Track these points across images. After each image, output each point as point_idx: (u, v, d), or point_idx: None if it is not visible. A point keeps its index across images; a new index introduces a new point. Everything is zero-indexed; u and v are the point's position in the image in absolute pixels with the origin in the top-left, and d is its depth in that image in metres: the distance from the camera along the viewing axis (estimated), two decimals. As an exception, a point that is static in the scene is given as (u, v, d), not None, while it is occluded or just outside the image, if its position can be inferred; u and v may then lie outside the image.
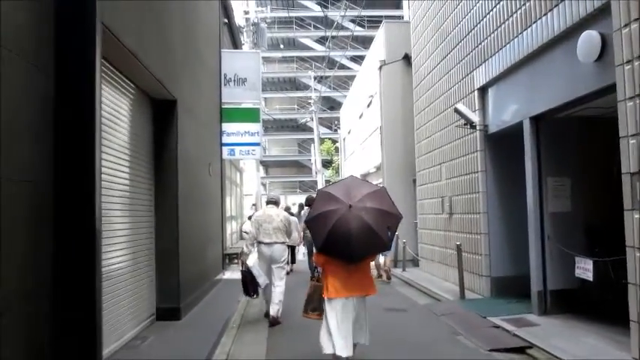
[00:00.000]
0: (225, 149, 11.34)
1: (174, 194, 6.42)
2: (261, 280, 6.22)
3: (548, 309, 6.09)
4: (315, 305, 4.03)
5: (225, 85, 11.51)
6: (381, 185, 13.17)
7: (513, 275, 7.29)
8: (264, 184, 38.16)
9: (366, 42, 32.80)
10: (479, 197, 7.62)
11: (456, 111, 7.54)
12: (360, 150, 17.56)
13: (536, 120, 6.25)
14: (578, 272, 5.38)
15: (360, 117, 17.50)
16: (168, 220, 6.36)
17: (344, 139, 23.22)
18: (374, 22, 31.85)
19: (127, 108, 5.46)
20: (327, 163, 32.96)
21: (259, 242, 6.32)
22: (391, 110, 12.74)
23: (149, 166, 6.23)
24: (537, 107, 6.13)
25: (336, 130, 33.49)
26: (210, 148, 9.55)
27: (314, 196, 6.56)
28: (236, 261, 11.81)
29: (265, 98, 40.62)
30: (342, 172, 23.45)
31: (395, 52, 12.83)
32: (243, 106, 12.38)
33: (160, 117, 6.43)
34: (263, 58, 36.56)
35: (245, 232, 16.61)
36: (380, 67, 12.89)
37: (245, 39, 19.33)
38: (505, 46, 6.72)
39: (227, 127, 11.37)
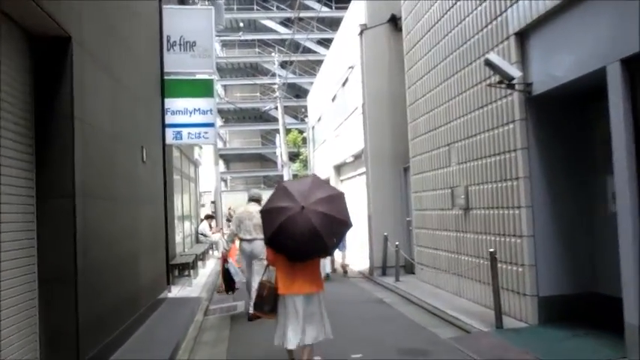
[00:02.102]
0: (169, 131, 8.76)
1: (68, 186, 3.98)
2: (237, 278, 6.80)
3: (652, 351, 4.04)
4: (270, 306, 4.00)
5: (168, 50, 8.94)
6: (364, 173, 11.16)
7: (571, 294, 5.29)
8: (224, 180, 35.46)
9: (333, 24, 30.60)
10: (518, 185, 5.50)
11: (487, 63, 5.38)
12: (334, 138, 15.31)
13: (628, 64, 4.15)
14: None
15: (333, 99, 15.25)
16: (58, 226, 3.94)
17: (312, 128, 20.94)
18: (342, 2, 29.55)
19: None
20: (294, 156, 30.58)
21: (241, 239, 6.53)
22: (376, 85, 10.48)
23: (26, 142, 3.80)
24: (633, 44, 4.03)
25: (303, 120, 31.08)
26: (145, 127, 7.04)
27: None
28: (187, 272, 9.37)
29: (225, 86, 37.83)
30: (312, 165, 21.18)
31: (378, 14, 10.62)
32: (197, 77, 9.93)
33: (44, 63, 4.00)
34: (221, 41, 33.84)
35: (202, 235, 14.28)
36: (361, 33, 10.63)
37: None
38: (568, -38, 4.62)
39: (171, 103, 8.80)
